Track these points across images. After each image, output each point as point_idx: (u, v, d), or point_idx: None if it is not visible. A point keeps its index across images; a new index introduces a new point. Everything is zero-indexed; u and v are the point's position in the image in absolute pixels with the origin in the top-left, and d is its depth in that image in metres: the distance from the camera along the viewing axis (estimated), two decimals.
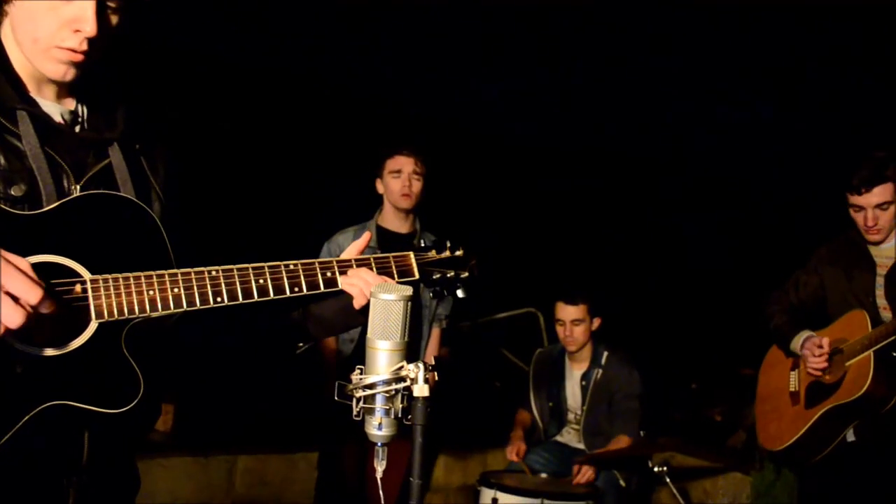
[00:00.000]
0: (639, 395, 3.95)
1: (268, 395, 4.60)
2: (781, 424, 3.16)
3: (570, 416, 4.08)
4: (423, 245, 1.78)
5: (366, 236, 1.74)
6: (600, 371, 4.00)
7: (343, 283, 1.59)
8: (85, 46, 1.39)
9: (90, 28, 1.37)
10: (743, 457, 4.61)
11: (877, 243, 2.97)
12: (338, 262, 1.60)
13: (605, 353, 4.03)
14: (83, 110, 1.50)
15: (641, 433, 3.84)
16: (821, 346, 2.99)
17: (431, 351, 3.51)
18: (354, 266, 1.61)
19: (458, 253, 1.79)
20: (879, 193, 2.86)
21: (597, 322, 4.01)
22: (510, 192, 6.30)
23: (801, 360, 3.13)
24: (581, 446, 3.98)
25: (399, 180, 3.38)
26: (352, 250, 1.70)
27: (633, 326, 5.37)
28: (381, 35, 5.03)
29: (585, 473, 3.62)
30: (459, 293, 1.80)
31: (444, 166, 3.65)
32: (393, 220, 3.46)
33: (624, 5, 4.68)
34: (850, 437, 2.96)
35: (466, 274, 1.79)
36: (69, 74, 1.42)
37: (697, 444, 4.37)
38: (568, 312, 3.96)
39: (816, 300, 3.17)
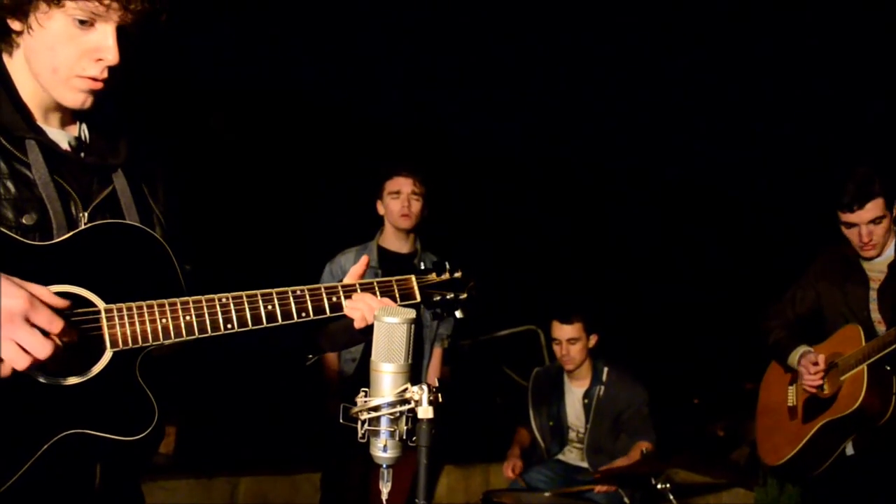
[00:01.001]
0: (648, 403, 3.97)
1: (270, 416, 4.59)
2: (780, 439, 3.18)
3: (572, 435, 4.07)
4: (423, 267, 1.82)
5: (363, 261, 1.77)
6: (603, 388, 3.99)
7: (347, 307, 1.61)
8: (105, 74, 1.41)
9: (112, 56, 1.39)
10: (746, 472, 4.60)
11: (871, 258, 2.99)
12: (343, 286, 1.63)
13: (606, 370, 4.02)
14: (86, 136, 1.52)
15: (644, 450, 3.84)
16: (816, 364, 3.01)
17: (434, 371, 3.52)
18: (359, 290, 1.64)
19: (457, 275, 1.84)
20: (872, 209, 2.89)
21: (594, 339, 4.01)
22: (508, 208, 6.32)
23: (798, 375, 3.14)
24: (584, 465, 3.97)
25: (398, 201, 3.41)
26: (351, 275, 1.73)
27: (632, 341, 5.37)
28: (375, 50, 5.07)
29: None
30: (458, 314, 1.85)
31: (443, 183, 3.68)
32: (393, 240, 3.49)
33: (622, 10, 4.71)
34: (850, 450, 2.98)
35: (465, 295, 1.84)
36: (88, 102, 1.44)
37: (700, 460, 4.36)
38: (563, 331, 3.96)
39: (814, 315, 3.19)
